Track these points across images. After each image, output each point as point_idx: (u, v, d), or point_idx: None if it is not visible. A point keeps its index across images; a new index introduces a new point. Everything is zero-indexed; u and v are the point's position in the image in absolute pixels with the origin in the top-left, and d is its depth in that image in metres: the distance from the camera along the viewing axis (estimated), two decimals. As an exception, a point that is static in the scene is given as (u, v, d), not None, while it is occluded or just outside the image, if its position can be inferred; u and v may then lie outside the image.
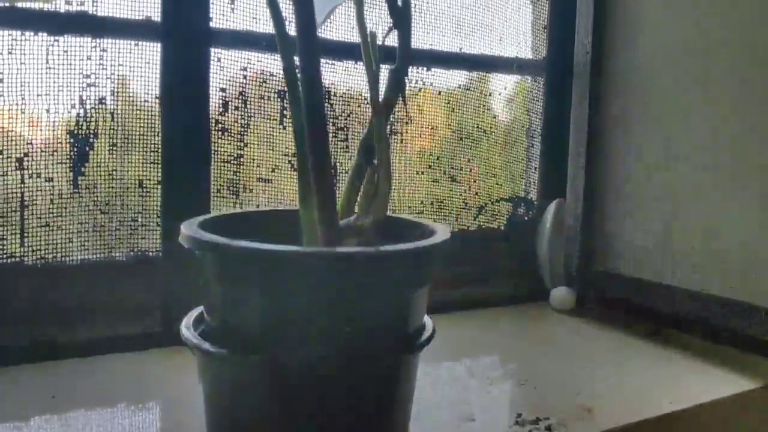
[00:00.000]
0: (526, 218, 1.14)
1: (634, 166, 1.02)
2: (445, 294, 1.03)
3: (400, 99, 0.64)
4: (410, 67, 1.00)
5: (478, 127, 1.09)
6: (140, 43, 0.83)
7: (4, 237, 0.78)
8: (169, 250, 0.85)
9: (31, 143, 0.79)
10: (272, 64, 0.91)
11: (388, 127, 0.83)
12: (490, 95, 1.09)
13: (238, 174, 0.91)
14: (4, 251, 0.78)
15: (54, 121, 0.80)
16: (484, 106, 1.09)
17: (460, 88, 1.06)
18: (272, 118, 0.92)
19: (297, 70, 0.56)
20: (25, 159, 0.79)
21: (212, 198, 0.89)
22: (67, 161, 0.81)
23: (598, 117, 1.06)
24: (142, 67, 0.83)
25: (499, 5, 1.08)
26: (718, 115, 0.91)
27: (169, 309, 0.84)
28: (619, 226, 1.04)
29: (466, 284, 1.07)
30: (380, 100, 0.63)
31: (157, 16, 0.83)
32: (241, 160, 0.91)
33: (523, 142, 1.14)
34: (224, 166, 0.90)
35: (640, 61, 1.01)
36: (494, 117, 1.10)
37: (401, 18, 0.57)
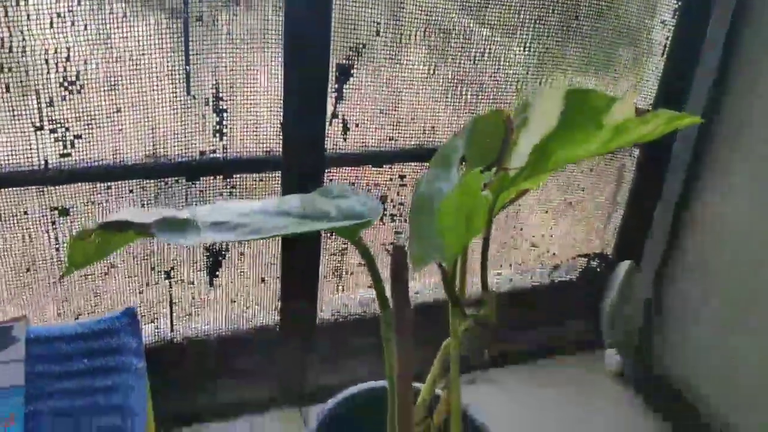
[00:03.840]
0: (598, 270, 1.24)
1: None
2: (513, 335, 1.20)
3: None
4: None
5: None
6: (263, 175, 0.94)
7: (159, 327, 0.99)
8: (285, 325, 1.05)
9: (176, 259, 0.96)
10: (378, 176, 1.00)
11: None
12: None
13: (341, 263, 1.05)
14: (159, 336, 1.00)
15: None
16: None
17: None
18: (374, 216, 1.03)
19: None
20: (172, 271, 0.96)
21: (320, 280, 1.05)
22: (204, 269, 0.98)
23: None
24: (264, 199, 0.95)
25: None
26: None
27: (286, 375, 1.06)
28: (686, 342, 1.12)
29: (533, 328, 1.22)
30: None
31: (278, 150, 0.93)
32: (344, 251, 1.05)
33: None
34: (332, 257, 1.04)
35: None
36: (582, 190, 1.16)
37: None
